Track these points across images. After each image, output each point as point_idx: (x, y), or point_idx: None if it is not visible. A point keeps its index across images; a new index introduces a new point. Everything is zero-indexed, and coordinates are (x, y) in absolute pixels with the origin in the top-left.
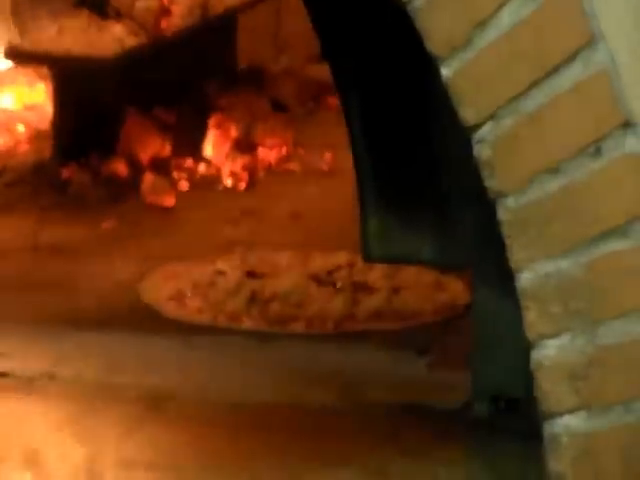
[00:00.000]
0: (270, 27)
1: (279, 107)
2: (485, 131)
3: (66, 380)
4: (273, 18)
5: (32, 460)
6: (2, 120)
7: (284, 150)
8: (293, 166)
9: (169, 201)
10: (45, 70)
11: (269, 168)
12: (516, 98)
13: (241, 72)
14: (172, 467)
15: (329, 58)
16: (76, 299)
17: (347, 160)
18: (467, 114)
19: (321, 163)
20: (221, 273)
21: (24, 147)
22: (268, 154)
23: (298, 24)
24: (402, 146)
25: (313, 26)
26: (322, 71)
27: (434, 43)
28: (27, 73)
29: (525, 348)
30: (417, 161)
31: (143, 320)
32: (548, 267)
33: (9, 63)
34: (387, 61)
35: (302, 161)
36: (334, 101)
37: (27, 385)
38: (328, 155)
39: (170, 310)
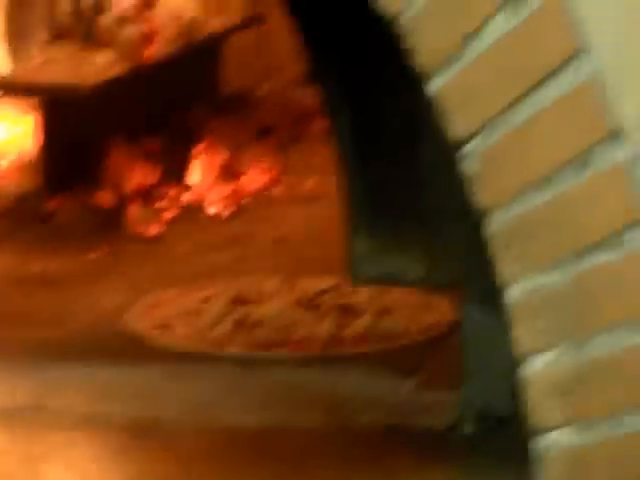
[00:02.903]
0: (254, 52)
1: (265, 132)
2: (472, 145)
3: (52, 411)
4: (257, 43)
5: None
6: None
7: (269, 176)
8: (278, 192)
9: (154, 230)
10: (30, 100)
11: (255, 194)
12: (503, 111)
13: (226, 98)
14: None
15: (319, 81)
16: (62, 330)
17: (331, 185)
18: (454, 129)
19: (306, 188)
20: (206, 300)
21: (9, 179)
22: (253, 180)
23: (282, 49)
24: (390, 167)
25: (303, 49)
26: (306, 96)
27: (422, 57)
28: (14, 103)
29: (514, 365)
30: (405, 181)
31: (129, 349)
32: (535, 282)
33: None
34: (377, 80)
35: (288, 186)
36: (318, 126)
37: (15, 417)
38: (312, 180)
39: (156, 338)
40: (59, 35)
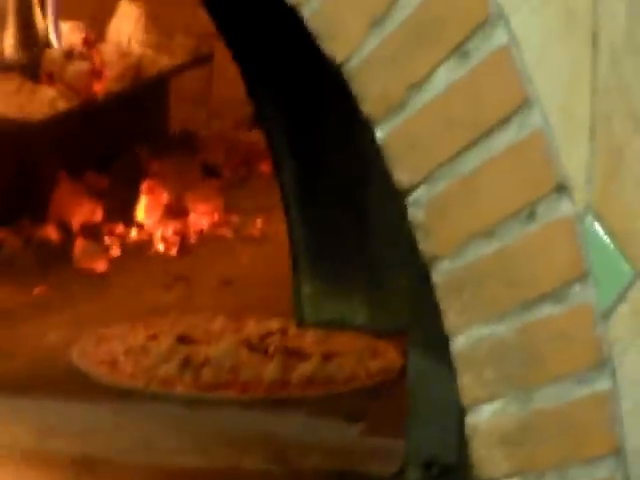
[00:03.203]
0: (202, 92)
1: (211, 172)
2: (419, 194)
3: None
4: (205, 83)
5: None
6: None
7: (216, 216)
8: (225, 232)
9: (101, 266)
10: None
11: (201, 233)
12: (450, 161)
13: (173, 137)
14: None
15: (262, 123)
16: (7, 364)
17: (279, 226)
18: (401, 177)
19: (253, 229)
20: (153, 338)
21: None
22: (200, 220)
23: (229, 90)
24: (335, 211)
25: (246, 91)
26: (253, 137)
27: (368, 104)
28: None
29: (459, 413)
30: (351, 226)
31: (75, 385)
32: (482, 331)
33: None
34: (322, 126)
35: (234, 227)
36: (266, 167)
37: None
38: (260, 221)
39: (102, 375)
40: (5, 69)
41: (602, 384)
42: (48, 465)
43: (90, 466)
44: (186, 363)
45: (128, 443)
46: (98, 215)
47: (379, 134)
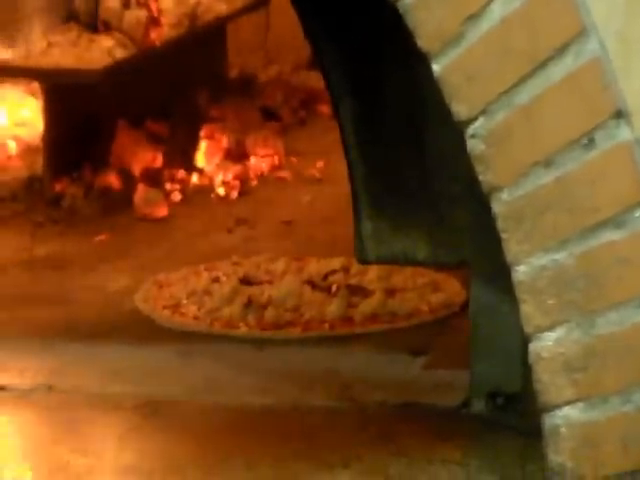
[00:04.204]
0: (259, 36)
1: (270, 116)
2: (478, 126)
3: (64, 391)
4: (262, 27)
5: (31, 471)
6: None
7: (276, 159)
8: (285, 174)
9: (162, 212)
10: (35, 85)
11: (261, 177)
12: (508, 92)
13: (231, 82)
14: (172, 473)
15: (321, 65)
16: (72, 311)
17: (339, 166)
18: (459, 109)
19: (313, 170)
20: (216, 280)
21: (16, 163)
22: (260, 163)
23: (286, 32)
24: (394, 149)
25: (305, 34)
26: (312, 79)
27: (425, 39)
28: (17, 88)
29: (522, 343)
30: (409, 162)
31: (139, 329)
32: (543, 259)
33: None
34: (380, 65)
35: (294, 169)
36: (324, 109)
37: (25, 397)
38: (320, 162)
39: (166, 319)
40: (65, 19)
41: None
42: (113, 408)
43: (155, 408)
44: (249, 304)
45: (193, 384)
46: (158, 161)
47: (436, 68)
